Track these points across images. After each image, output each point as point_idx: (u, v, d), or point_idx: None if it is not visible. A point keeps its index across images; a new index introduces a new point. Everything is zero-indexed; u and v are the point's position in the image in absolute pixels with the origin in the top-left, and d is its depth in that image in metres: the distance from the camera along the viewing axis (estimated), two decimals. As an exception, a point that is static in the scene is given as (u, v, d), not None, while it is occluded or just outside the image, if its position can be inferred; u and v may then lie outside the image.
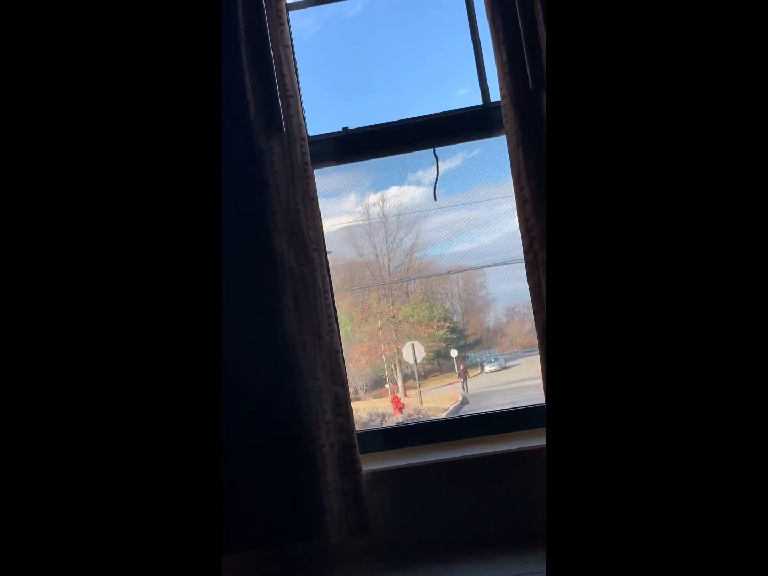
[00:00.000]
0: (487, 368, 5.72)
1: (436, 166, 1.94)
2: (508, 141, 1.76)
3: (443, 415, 6.28)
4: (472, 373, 6.44)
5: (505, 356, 6.20)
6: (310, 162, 1.80)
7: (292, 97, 1.79)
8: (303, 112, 1.83)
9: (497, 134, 1.91)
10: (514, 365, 6.02)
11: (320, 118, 2.02)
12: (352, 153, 1.97)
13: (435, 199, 1.97)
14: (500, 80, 1.75)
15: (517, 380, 5.83)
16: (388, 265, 6.36)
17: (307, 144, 1.80)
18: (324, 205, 1.86)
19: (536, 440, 1.83)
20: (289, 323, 1.72)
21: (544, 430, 1.82)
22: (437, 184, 1.96)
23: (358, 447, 1.76)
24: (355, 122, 1.97)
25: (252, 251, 1.74)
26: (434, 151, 1.95)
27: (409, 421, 1.99)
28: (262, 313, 1.73)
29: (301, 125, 1.80)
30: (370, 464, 1.85)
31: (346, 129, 1.95)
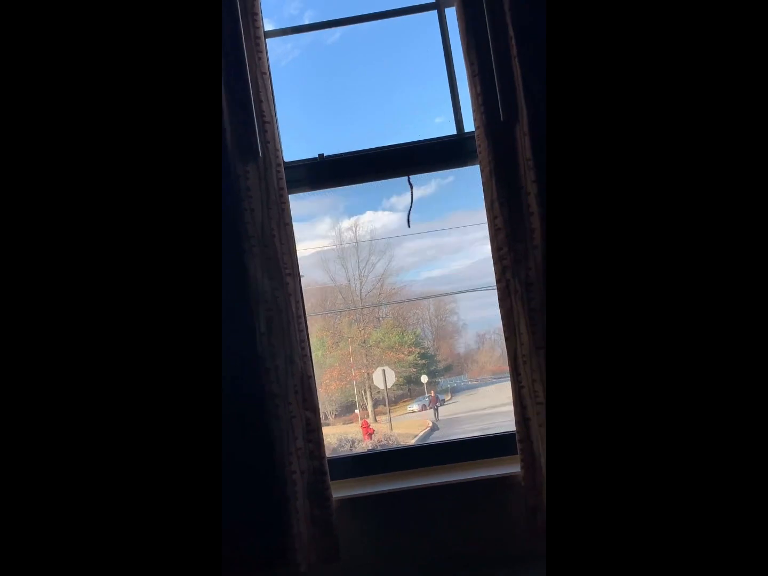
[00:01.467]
0: (410, 407, 5.74)
1: (410, 193, 1.96)
2: (481, 171, 1.78)
3: (413, 442, 6.27)
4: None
5: (474, 381, 6.22)
6: (285, 188, 1.81)
7: (268, 123, 1.80)
8: (279, 138, 1.84)
9: (471, 164, 1.94)
10: (484, 391, 6.04)
11: (296, 144, 2.04)
12: (327, 179, 1.98)
13: (409, 227, 1.98)
14: (474, 111, 1.78)
15: (487, 406, 5.84)
16: (360, 290, 6.35)
17: (283, 170, 1.81)
18: (298, 229, 1.87)
19: (508, 467, 1.84)
20: (261, 348, 1.72)
21: (515, 457, 1.83)
22: (411, 211, 1.97)
23: (328, 474, 1.76)
24: (331, 149, 1.99)
25: (226, 276, 1.73)
26: (408, 178, 1.97)
27: (380, 448, 1.98)
28: (234, 338, 1.72)
29: (278, 151, 1.81)
30: (341, 491, 1.84)
31: (321, 155, 1.97)
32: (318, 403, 1.78)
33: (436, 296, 6.40)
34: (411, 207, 1.97)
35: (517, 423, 1.76)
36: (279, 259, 1.77)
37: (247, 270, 1.73)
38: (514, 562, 1.73)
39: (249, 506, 1.69)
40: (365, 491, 1.83)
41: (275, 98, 1.90)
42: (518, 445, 1.75)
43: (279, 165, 1.81)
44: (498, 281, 1.77)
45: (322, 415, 1.80)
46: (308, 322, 1.85)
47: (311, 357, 1.81)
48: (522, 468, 1.74)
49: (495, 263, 1.78)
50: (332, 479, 1.80)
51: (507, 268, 1.75)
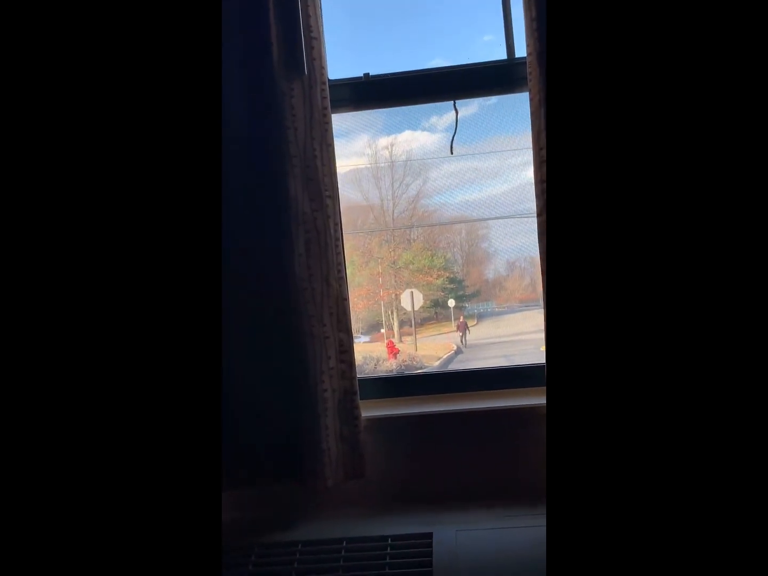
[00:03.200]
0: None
1: (455, 119, 1.93)
2: (530, 99, 1.74)
3: (437, 363, 6.35)
4: (468, 324, 6.48)
5: (501, 308, 6.23)
6: (329, 107, 1.78)
7: (315, 39, 1.76)
8: (325, 56, 1.81)
9: (520, 91, 1.89)
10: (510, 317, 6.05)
11: (341, 62, 2.00)
12: (371, 100, 1.95)
13: (452, 153, 1.96)
14: (527, 37, 1.72)
15: (512, 333, 5.87)
16: (393, 211, 6.34)
17: (327, 89, 1.78)
18: (336, 146, 1.85)
19: (533, 398, 1.87)
20: (299, 269, 1.73)
21: (540, 389, 1.85)
22: (455, 137, 1.94)
23: (358, 393, 1.80)
24: (377, 69, 1.95)
25: (265, 195, 1.74)
26: (454, 103, 1.93)
27: (409, 372, 2.01)
28: (272, 258, 1.73)
29: (323, 69, 1.78)
30: (369, 411, 1.88)
31: (367, 75, 1.93)
32: (351, 326, 1.80)
33: (468, 221, 6.36)
34: (455, 133, 1.94)
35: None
36: (320, 181, 1.76)
37: (288, 190, 1.73)
38: (536, 491, 1.78)
39: (281, 421, 1.75)
40: (392, 412, 1.87)
41: (323, 13, 1.86)
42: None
43: (324, 83, 1.78)
44: (539, 214, 1.75)
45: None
46: (344, 246, 1.86)
47: (347, 280, 1.82)
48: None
49: (537, 196, 1.76)
50: (361, 398, 1.85)
51: (549, 201, 1.73)
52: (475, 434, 1.85)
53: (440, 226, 6.42)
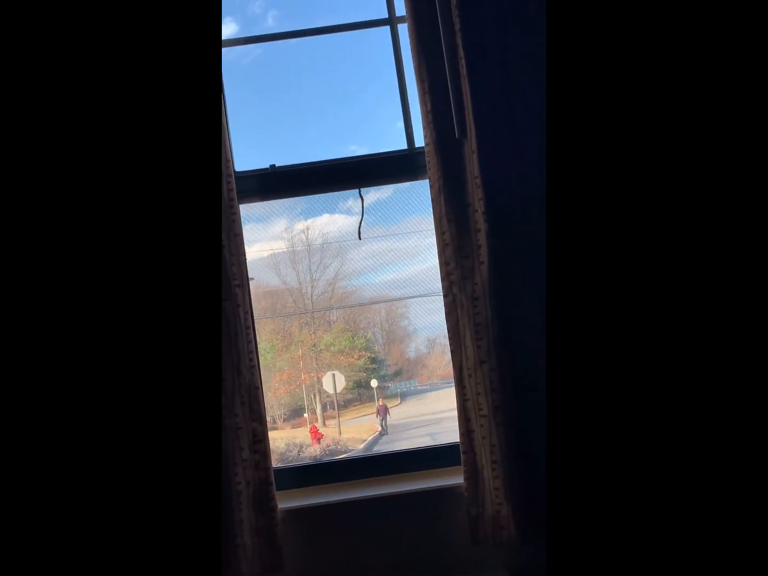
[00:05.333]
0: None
1: (361, 206, 1.98)
2: (431, 186, 1.81)
3: (361, 446, 6.28)
4: (391, 404, 6.47)
5: (424, 386, 6.24)
6: (236, 198, 1.81)
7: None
8: (231, 148, 1.85)
9: (422, 178, 1.97)
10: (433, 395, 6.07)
11: (249, 153, 2.04)
12: (277, 191, 1.99)
13: (359, 239, 2.00)
14: (424, 128, 1.81)
15: (436, 411, 5.88)
16: (312, 294, 6.33)
17: (233, 180, 1.81)
18: (252, 230, 1.87)
19: (453, 478, 1.87)
20: (208, 359, 1.72)
21: (460, 468, 1.86)
22: (362, 223, 1.99)
23: (274, 484, 1.76)
24: (283, 159, 2.00)
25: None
26: (359, 191, 1.99)
27: (327, 459, 2.00)
28: (182, 349, 1.72)
29: (229, 162, 1.81)
30: (287, 501, 1.85)
31: (273, 166, 1.97)
32: (265, 414, 1.78)
33: (387, 301, 6.41)
34: (362, 219, 1.99)
35: (461, 435, 1.79)
36: (228, 270, 1.77)
37: (196, 280, 1.73)
38: (458, 569, 1.77)
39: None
40: (311, 502, 1.84)
41: (227, 107, 1.91)
42: (462, 456, 1.78)
43: (230, 176, 1.81)
44: (445, 295, 1.80)
45: (270, 419, 1.81)
46: (258, 325, 1.86)
47: (259, 368, 1.81)
48: (465, 479, 1.77)
49: (443, 278, 1.81)
50: (278, 489, 1.81)
51: (454, 283, 1.78)
52: (396, 518, 1.83)
53: (360, 306, 6.44)
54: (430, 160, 1.80)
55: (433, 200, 1.81)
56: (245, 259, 1.82)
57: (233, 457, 1.71)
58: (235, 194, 1.81)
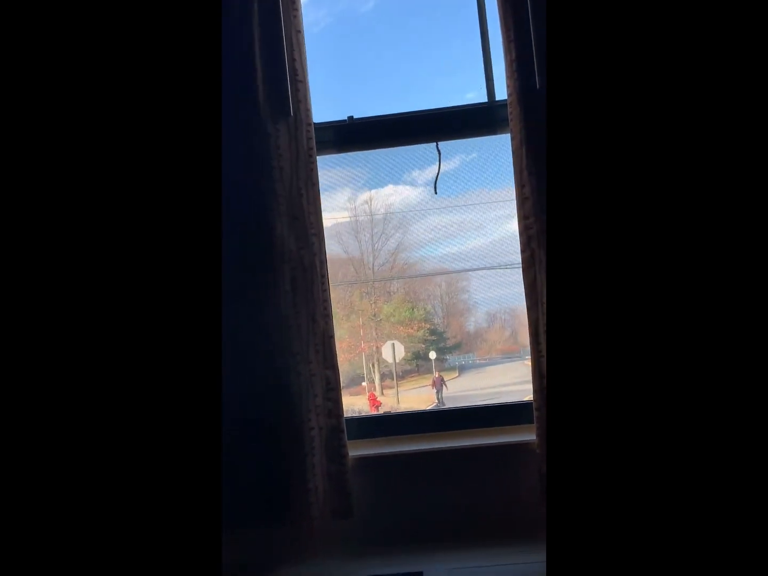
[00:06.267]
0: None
1: (438, 160, 1.96)
2: (512, 138, 1.78)
3: (419, 416, 6.29)
4: (449, 376, 6.47)
5: (482, 360, 6.22)
6: (315, 147, 1.81)
7: (301, 82, 1.80)
8: (310, 98, 1.84)
9: (501, 132, 1.94)
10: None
11: (326, 107, 2.04)
12: (355, 142, 1.98)
13: (435, 193, 1.99)
14: (507, 78, 1.77)
15: (494, 385, 5.85)
16: (373, 264, 6.35)
17: (312, 130, 1.81)
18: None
19: (521, 435, 1.86)
20: (285, 306, 1.73)
21: (528, 426, 1.84)
22: (438, 179, 1.98)
23: (345, 432, 1.78)
24: (361, 113, 1.99)
25: (252, 234, 1.75)
26: (437, 145, 1.97)
27: (396, 412, 2.00)
28: (259, 296, 1.73)
29: (309, 111, 1.81)
30: (357, 450, 1.86)
31: (351, 118, 1.97)
32: (337, 363, 1.79)
33: (448, 273, 6.39)
34: (438, 174, 1.97)
35: (535, 392, 1.77)
36: (306, 219, 1.78)
37: (274, 228, 1.74)
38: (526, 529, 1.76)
39: (268, 459, 1.72)
40: (380, 451, 1.85)
41: (308, 59, 1.90)
42: (535, 413, 1.76)
43: (309, 125, 1.81)
44: (522, 251, 1.78)
45: None
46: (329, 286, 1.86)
47: (333, 317, 1.82)
48: (537, 436, 1.76)
49: (521, 233, 1.78)
50: (349, 439, 1.83)
51: (532, 237, 1.76)
52: (465, 472, 1.83)
53: (421, 278, 6.44)
54: (513, 111, 1.77)
55: (513, 152, 1.78)
56: (321, 209, 1.83)
57: (307, 404, 1.73)
58: (314, 143, 1.81)
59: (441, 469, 1.83)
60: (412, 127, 1.96)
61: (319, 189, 1.83)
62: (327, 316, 1.79)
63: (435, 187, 1.99)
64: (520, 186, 1.77)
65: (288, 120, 1.79)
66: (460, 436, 1.92)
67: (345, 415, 1.83)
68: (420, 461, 1.84)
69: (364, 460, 1.83)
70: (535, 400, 1.77)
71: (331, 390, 1.78)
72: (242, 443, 1.72)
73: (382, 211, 5.56)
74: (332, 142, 1.98)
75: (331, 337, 1.79)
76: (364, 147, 2.01)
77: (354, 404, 6.83)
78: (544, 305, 1.75)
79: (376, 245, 5.99)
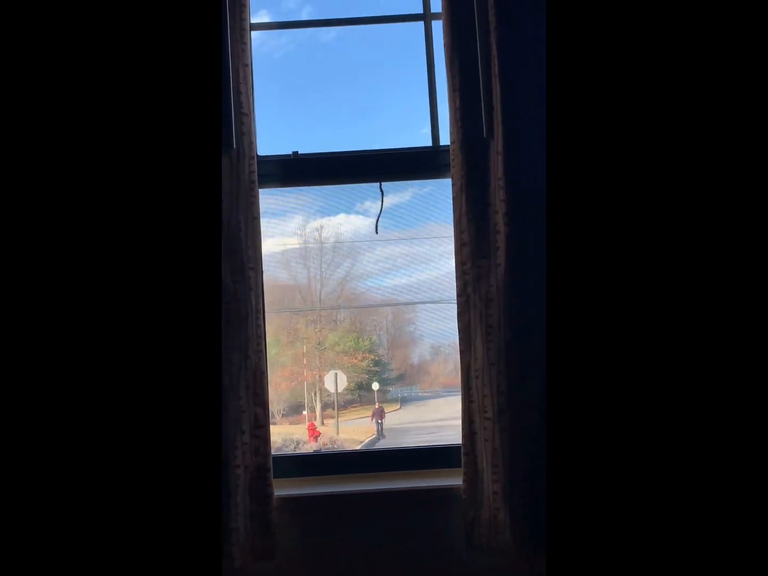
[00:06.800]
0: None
1: (381, 200, 1.97)
2: (453, 185, 1.80)
3: (358, 447, 6.25)
4: (390, 408, 6.44)
5: (425, 393, 6.19)
6: (257, 181, 1.80)
7: (246, 115, 1.80)
8: (255, 131, 1.84)
9: (444, 176, 1.95)
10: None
11: (271, 139, 2.04)
12: (299, 177, 1.98)
13: (377, 233, 1.99)
14: (451, 125, 1.80)
15: (435, 419, 5.84)
16: (320, 292, 6.31)
17: (255, 163, 1.81)
18: (269, 224, 1.86)
19: (451, 479, 1.85)
20: (217, 339, 1.71)
21: (459, 470, 1.84)
22: (380, 218, 1.98)
23: (272, 471, 1.75)
24: (307, 149, 1.99)
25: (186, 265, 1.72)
26: (380, 185, 1.98)
27: (326, 450, 1.99)
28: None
29: (252, 144, 1.80)
30: (284, 489, 1.83)
31: (296, 153, 1.96)
32: (268, 400, 1.77)
33: (396, 305, 6.40)
34: (380, 213, 1.98)
35: (464, 437, 1.78)
36: (243, 252, 1.76)
37: (210, 260, 1.72)
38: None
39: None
40: (307, 491, 1.82)
41: (255, 92, 1.90)
42: (463, 458, 1.77)
43: (252, 158, 1.80)
44: (459, 295, 1.79)
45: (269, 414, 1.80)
46: (265, 320, 1.85)
47: (266, 353, 1.80)
48: (464, 481, 1.76)
49: (457, 277, 1.80)
50: (276, 477, 1.80)
51: (468, 283, 1.77)
52: (394, 515, 1.82)
53: (368, 308, 6.42)
54: (455, 158, 1.79)
55: (454, 199, 1.80)
56: (260, 243, 1.81)
57: (234, 441, 1.70)
58: (256, 177, 1.80)
59: (369, 511, 1.82)
60: (357, 167, 1.97)
61: (260, 222, 1.81)
62: (260, 352, 1.77)
63: (376, 228, 1.99)
64: (459, 232, 1.79)
65: (231, 153, 1.77)
66: (390, 478, 1.90)
67: (275, 453, 1.80)
68: (347, 502, 1.82)
69: (291, 501, 1.80)
70: (464, 444, 1.78)
71: (260, 427, 1.75)
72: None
73: (332, 239, 5.51)
74: (276, 176, 1.97)
75: (263, 373, 1.77)
76: (307, 183, 2.02)
77: (293, 433, 6.74)
78: (477, 350, 1.76)
79: (324, 273, 5.95)
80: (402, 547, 1.80)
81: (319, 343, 6.64)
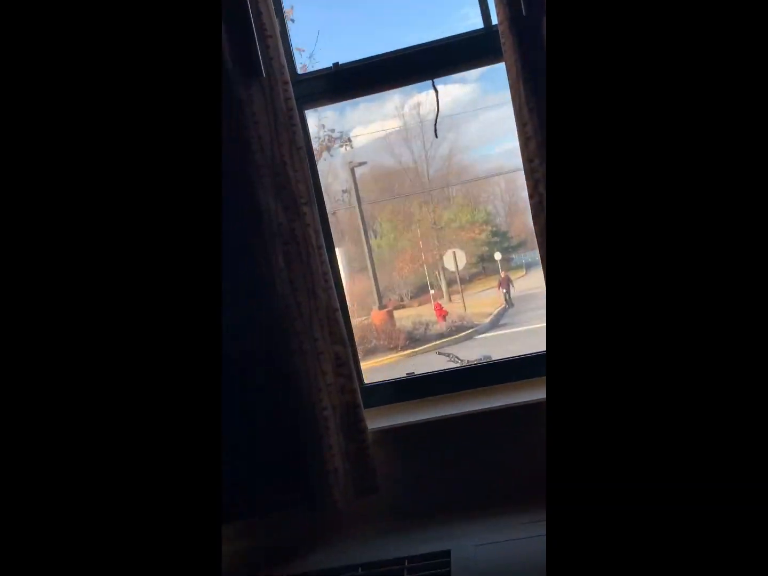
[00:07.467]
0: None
1: (436, 99, 1.78)
2: (507, 71, 1.58)
3: (487, 321, 6.23)
4: (516, 275, 6.33)
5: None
6: (295, 108, 1.66)
7: (270, 37, 1.64)
8: (284, 52, 1.67)
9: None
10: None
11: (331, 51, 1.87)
12: (346, 90, 1.82)
13: (436, 137, 1.83)
14: (497, 4, 1.56)
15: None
16: (428, 171, 6.15)
17: (291, 88, 1.66)
18: (367, 110, 1.74)
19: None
20: (280, 284, 1.64)
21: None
22: (437, 120, 1.80)
23: (362, 406, 1.71)
24: (361, 53, 1.80)
25: (238, 210, 1.64)
26: (433, 83, 1.78)
27: (418, 374, 1.92)
28: (252, 277, 1.65)
29: (283, 68, 1.65)
30: (378, 421, 1.79)
31: (336, 64, 1.79)
32: (347, 336, 1.70)
33: (506, 172, 6.14)
34: (437, 116, 1.79)
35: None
36: (293, 188, 1.65)
37: (260, 203, 1.63)
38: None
39: (284, 445, 1.68)
40: (402, 421, 1.77)
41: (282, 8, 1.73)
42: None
43: (286, 83, 1.65)
44: (530, 196, 1.61)
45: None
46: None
47: (335, 287, 1.71)
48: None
49: (527, 177, 1.61)
50: (370, 406, 1.77)
51: (539, 181, 1.58)
52: (494, 435, 1.74)
53: (478, 180, 6.22)
54: (506, 41, 1.56)
55: (511, 87, 1.59)
56: (309, 174, 1.67)
57: (316, 383, 1.66)
58: (293, 103, 1.66)
59: (468, 434, 1.75)
60: (406, 67, 1.77)
61: (305, 151, 1.68)
62: (329, 289, 1.69)
63: (435, 131, 1.82)
64: (521, 124, 1.59)
65: (261, 81, 1.64)
66: (486, 395, 1.82)
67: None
68: (446, 428, 1.75)
69: (388, 432, 1.76)
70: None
71: (342, 365, 1.69)
72: (255, 430, 1.68)
73: (432, 115, 5.31)
74: (322, 93, 1.82)
75: (336, 309, 1.69)
76: (357, 94, 1.85)
77: (422, 315, 6.81)
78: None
79: (429, 152, 5.78)
80: (505, 467, 1.72)
81: (435, 223, 6.52)
